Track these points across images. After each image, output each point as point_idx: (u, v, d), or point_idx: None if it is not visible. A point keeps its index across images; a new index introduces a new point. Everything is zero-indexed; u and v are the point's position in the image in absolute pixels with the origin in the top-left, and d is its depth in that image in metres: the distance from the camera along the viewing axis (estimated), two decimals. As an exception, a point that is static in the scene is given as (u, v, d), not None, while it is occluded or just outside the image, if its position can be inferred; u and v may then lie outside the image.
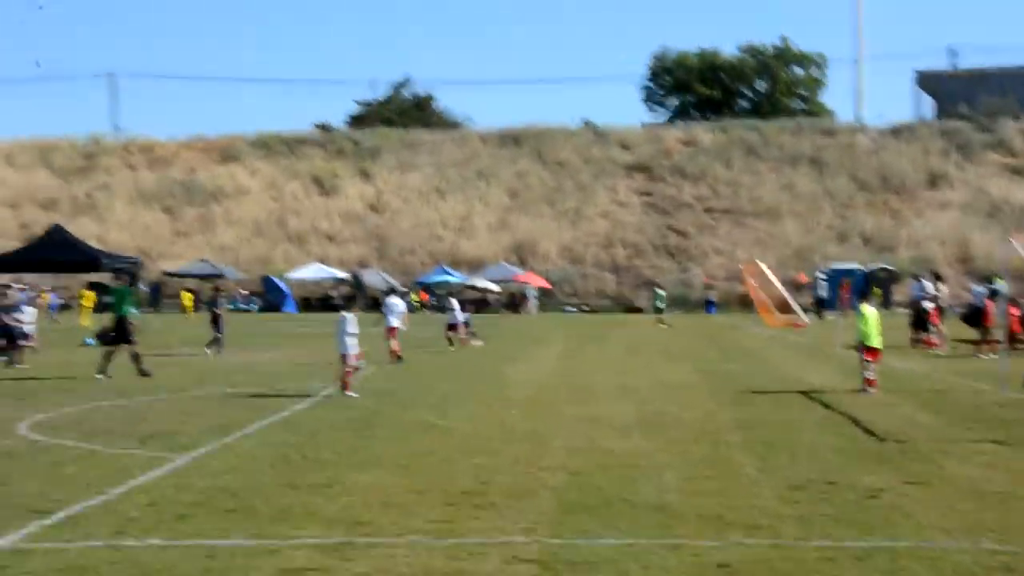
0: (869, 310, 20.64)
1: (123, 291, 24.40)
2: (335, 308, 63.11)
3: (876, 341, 20.23)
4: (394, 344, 26.95)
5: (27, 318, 27.28)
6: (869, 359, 20.14)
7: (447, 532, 9.36)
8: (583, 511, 10.15)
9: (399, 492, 10.97)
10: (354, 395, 18.92)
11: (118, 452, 13.38)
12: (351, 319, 19.71)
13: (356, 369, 19.69)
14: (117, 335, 23.62)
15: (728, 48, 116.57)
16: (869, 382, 19.96)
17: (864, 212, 76.28)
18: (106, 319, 36.46)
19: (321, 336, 36.28)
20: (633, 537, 9.20)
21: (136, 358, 23.19)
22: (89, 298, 44.40)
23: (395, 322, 27.39)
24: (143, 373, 22.89)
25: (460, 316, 33.73)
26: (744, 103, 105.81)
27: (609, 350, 32.03)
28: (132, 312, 24.06)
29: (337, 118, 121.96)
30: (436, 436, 14.78)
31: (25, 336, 27.02)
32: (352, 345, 19.40)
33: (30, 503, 10.46)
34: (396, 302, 28.24)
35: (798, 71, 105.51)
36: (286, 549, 8.79)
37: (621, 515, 10.00)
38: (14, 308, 27.20)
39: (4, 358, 26.00)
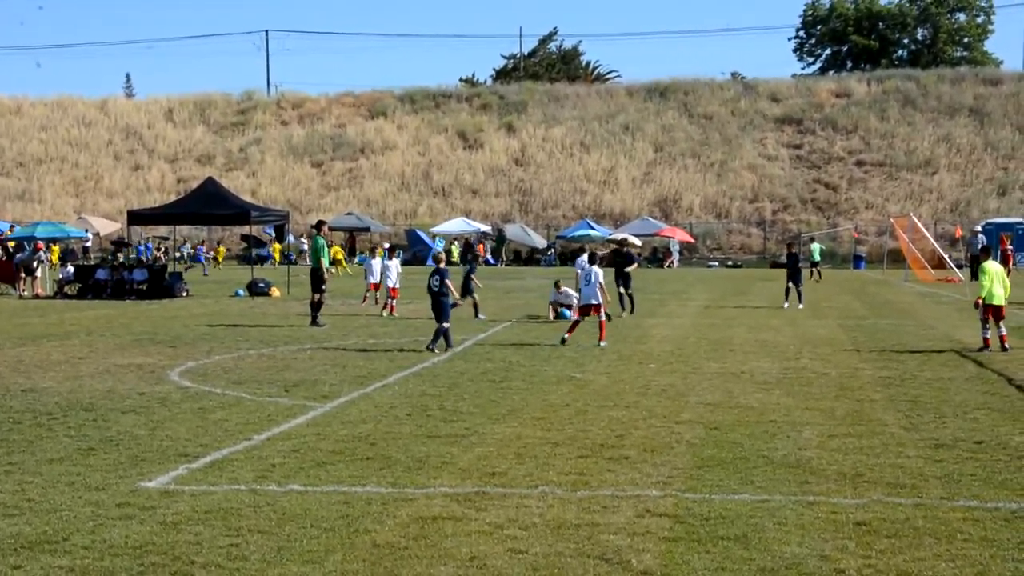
0: (992, 266, 19.92)
1: (319, 243, 25.22)
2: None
3: (998, 299, 19.56)
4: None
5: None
6: (990, 317, 19.52)
7: (580, 484, 9.35)
8: (719, 466, 10.03)
9: (534, 444, 11.00)
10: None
11: (263, 400, 13.76)
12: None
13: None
14: (313, 284, 24.54)
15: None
16: (986, 341, 19.47)
17: (1029, 165, 73.15)
18: (253, 272, 37.43)
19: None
20: (769, 493, 9.05)
21: (317, 306, 24.20)
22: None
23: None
24: (315, 323, 23.84)
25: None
26: (902, 53, 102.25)
27: (752, 305, 31.50)
28: (324, 263, 25.01)
29: (483, 72, 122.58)
30: (573, 389, 14.79)
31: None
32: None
33: (179, 447, 10.84)
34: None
35: (961, 18, 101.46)
36: (421, 498, 8.90)
37: (758, 471, 9.84)
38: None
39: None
